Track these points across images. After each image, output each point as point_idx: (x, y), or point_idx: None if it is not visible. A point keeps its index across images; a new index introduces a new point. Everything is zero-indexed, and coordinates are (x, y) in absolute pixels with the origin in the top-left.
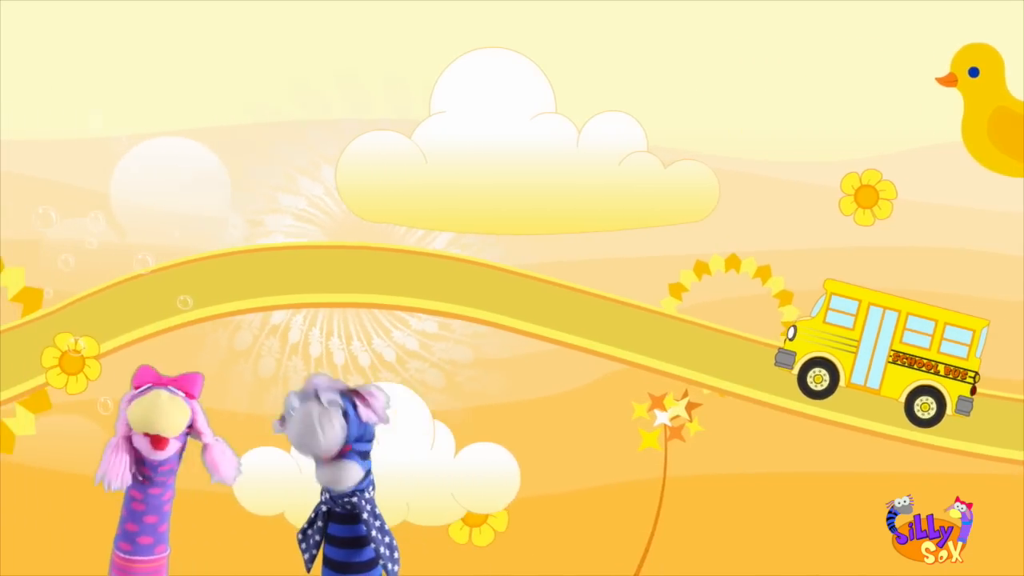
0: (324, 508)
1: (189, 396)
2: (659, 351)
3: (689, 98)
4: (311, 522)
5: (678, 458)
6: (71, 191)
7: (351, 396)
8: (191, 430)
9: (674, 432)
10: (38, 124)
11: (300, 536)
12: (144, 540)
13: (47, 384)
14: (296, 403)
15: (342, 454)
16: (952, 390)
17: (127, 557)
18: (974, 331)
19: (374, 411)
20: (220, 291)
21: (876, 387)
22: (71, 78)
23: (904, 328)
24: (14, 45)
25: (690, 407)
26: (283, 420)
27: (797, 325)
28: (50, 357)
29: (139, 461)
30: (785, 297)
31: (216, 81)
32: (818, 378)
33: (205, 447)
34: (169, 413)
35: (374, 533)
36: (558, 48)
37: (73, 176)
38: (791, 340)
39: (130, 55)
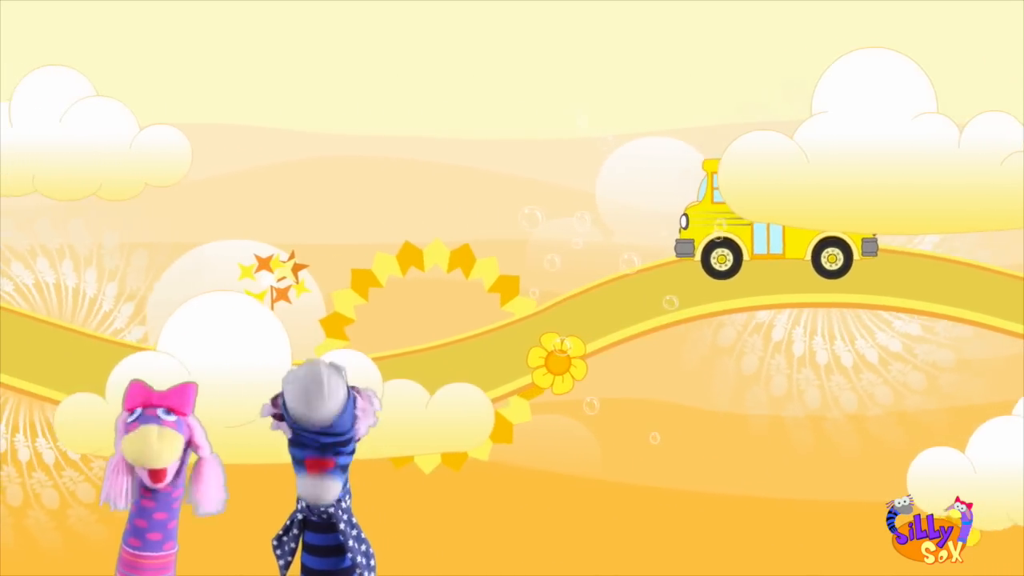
0: (300, 516)
1: (181, 414)
2: None
3: None
4: (286, 529)
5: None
6: (557, 191)
7: (352, 390)
8: (189, 444)
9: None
10: (524, 124)
11: (275, 543)
12: (153, 536)
13: (533, 384)
14: (302, 369)
15: (326, 470)
16: (854, 235)
17: (136, 553)
18: None
19: (368, 409)
20: (705, 291)
21: (779, 252)
22: (559, 77)
23: None
24: (495, 47)
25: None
26: (275, 400)
27: (687, 212)
28: (536, 357)
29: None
30: None
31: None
32: (722, 258)
33: (200, 461)
34: (160, 451)
35: (351, 542)
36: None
37: (559, 176)
38: (684, 228)
39: (613, 56)
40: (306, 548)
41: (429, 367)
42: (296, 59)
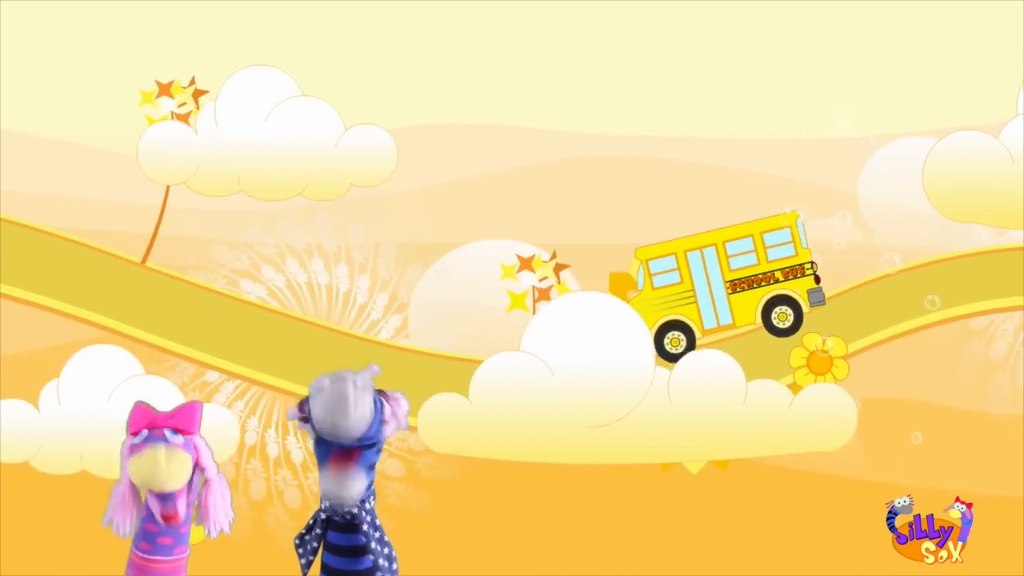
0: (323, 516)
1: (188, 434)
2: None
3: None
4: (309, 528)
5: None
6: (819, 191)
7: (379, 394)
8: (196, 466)
9: None
10: (786, 125)
11: (297, 541)
12: (164, 541)
13: (795, 383)
14: (327, 382)
15: (351, 460)
16: (799, 288)
17: (146, 557)
18: (791, 226)
19: (397, 414)
20: (967, 291)
21: (730, 322)
22: (822, 78)
23: (727, 257)
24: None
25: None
26: (302, 404)
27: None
28: (798, 357)
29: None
30: None
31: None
32: (675, 341)
33: (207, 483)
34: (170, 473)
35: (373, 544)
36: None
37: (821, 176)
38: None
39: (875, 56)
40: (328, 548)
41: None
42: (559, 59)
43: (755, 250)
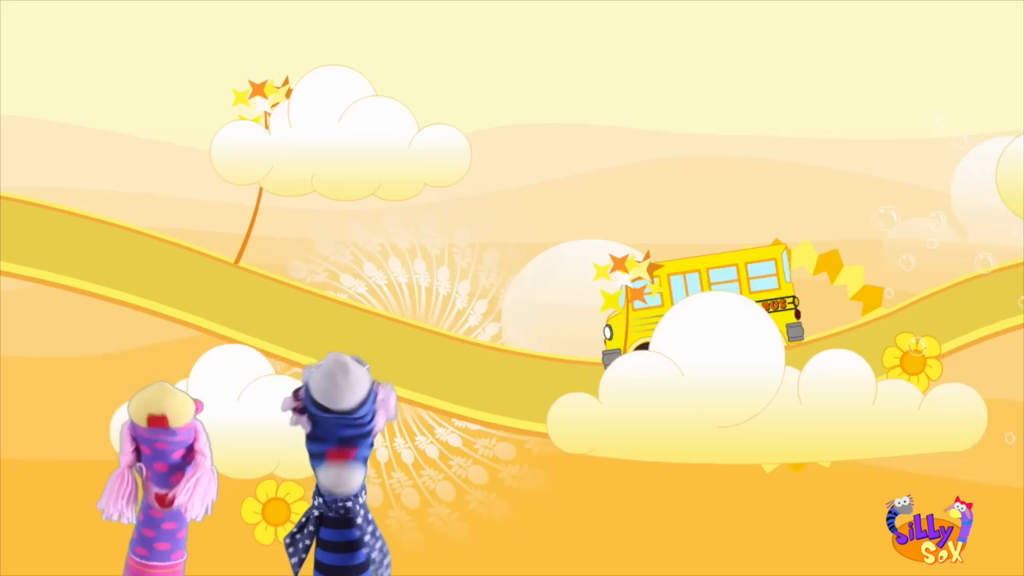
0: (316, 512)
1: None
2: None
3: None
4: (301, 527)
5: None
6: (912, 191)
7: (373, 381)
8: (193, 445)
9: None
10: (880, 125)
11: (288, 540)
12: (161, 546)
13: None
14: (326, 359)
15: (348, 458)
16: (779, 322)
17: (143, 562)
18: (775, 259)
19: (388, 402)
20: None
21: None
22: (915, 78)
23: (710, 284)
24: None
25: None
26: (296, 392)
27: (610, 324)
28: (891, 357)
29: (150, 473)
30: None
31: None
32: None
33: (197, 464)
34: (175, 403)
35: (367, 538)
36: None
37: (914, 176)
38: (609, 340)
39: (968, 56)
40: (320, 544)
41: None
42: (656, 60)
43: (738, 279)
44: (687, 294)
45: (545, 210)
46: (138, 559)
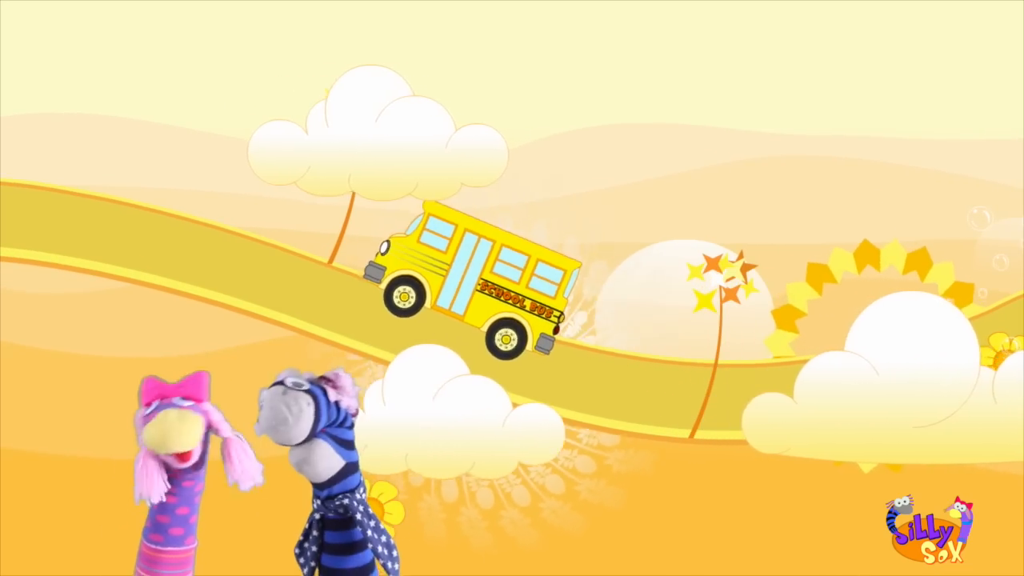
0: (317, 516)
1: (197, 401)
2: None
3: None
4: (306, 533)
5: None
6: (1006, 191)
7: (319, 383)
8: (209, 428)
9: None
10: (973, 124)
11: (298, 551)
12: (175, 531)
13: None
14: (264, 395)
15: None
16: (535, 326)
17: (157, 548)
18: (565, 271)
19: (342, 390)
20: None
21: (461, 313)
22: (1007, 77)
23: (496, 259)
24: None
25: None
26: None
27: (391, 240)
28: (985, 357)
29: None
30: None
31: None
32: (404, 296)
33: (225, 442)
34: (180, 432)
35: (370, 533)
36: None
37: (1008, 176)
38: (383, 255)
39: None
40: (325, 548)
41: None
42: (748, 61)
43: (523, 269)
44: (472, 256)
45: (640, 210)
46: (152, 545)
